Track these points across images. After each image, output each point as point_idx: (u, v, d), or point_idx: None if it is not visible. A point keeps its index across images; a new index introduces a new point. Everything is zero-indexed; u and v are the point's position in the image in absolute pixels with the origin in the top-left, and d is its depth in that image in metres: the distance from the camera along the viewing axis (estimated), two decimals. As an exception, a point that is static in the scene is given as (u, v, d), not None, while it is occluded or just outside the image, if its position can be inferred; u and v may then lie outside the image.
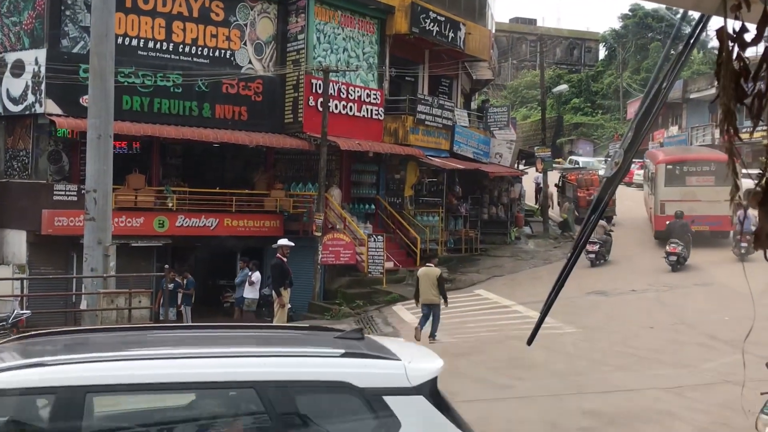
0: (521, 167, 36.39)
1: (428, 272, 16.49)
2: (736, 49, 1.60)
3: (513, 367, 13.11)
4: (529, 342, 2.42)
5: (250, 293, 20.31)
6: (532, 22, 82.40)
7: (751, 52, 1.68)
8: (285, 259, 17.05)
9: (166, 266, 18.92)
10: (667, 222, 24.75)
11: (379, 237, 23.95)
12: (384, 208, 26.89)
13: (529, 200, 38.74)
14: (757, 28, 1.57)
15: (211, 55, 23.78)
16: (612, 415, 9.95)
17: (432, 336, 16.28)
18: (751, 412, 9.77)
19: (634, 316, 18.18)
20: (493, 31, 37.30)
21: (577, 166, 47.38)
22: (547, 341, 14.84)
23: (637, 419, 9.79)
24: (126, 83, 21.49)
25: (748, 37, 1.58)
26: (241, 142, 23.39)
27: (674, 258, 22.89)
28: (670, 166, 27.71)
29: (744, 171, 1.82)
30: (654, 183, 28.39)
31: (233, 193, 23.43)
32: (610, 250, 25.84)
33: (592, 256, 24.75)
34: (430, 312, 16.42)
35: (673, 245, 23.08)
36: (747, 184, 1.75)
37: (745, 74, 1.61)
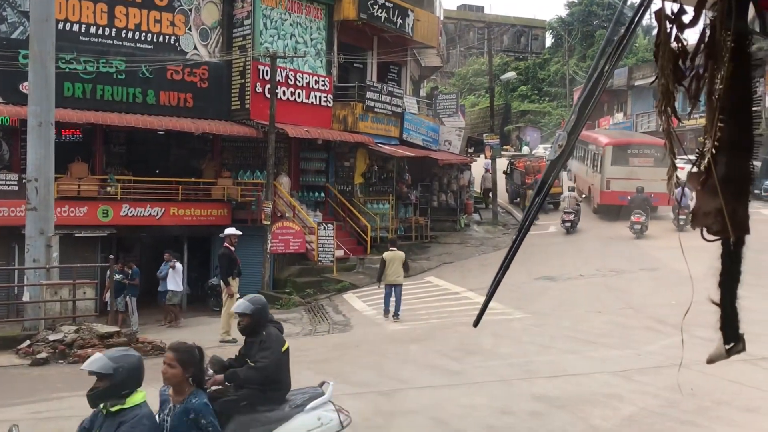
0: (472, 155, 36.59)
1: (395, 255, 17.67)
2: (674, 30, 1.59)
3: (464, 353, 13.19)
4: (475, 324, 2.41)
5: (173, 285, 19.95)
6: (480, 9, 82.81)
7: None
8: (233, 249, 16.86)
9: (111, 256, 18.60)
10: (629, 197, 27.97)
11: (329, 225, 23.86)
12: (334, 196, 26.80)
13: (479, 187, 39.00)
14: (694, 10, 1.57)
15: (155, 40, 23.37)
16: (561, 399, 10.06)
17: (396, 315, 17.47)
18: (693, 391, 10.01)
19: (582, 300, 18.41)
20: (441, 18, 37.39)
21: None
22: (497, 327, 14.97)
23: (587, 403, 9.91)
24: (67, 69, 21.01)
25: (687, 18, 1.58)
26: (187, 130, 23.05)
27: (638, 226, 26.30)
28: (615, 148, 30.71)
29: (684, 157, 1.82)
30: (600, 163, 30.93)
31: (179, 181, 23.09)
32: (579, 219, 29.13)
33: (568, 224, 28.40)
34: (393, 291, 17.52)
35: (637, 215, 26.41)
36: (687, 168, 1.75)
37: (683, 55, 1.60)
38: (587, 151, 34.14)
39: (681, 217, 25.40)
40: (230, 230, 17.34)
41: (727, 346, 1.59)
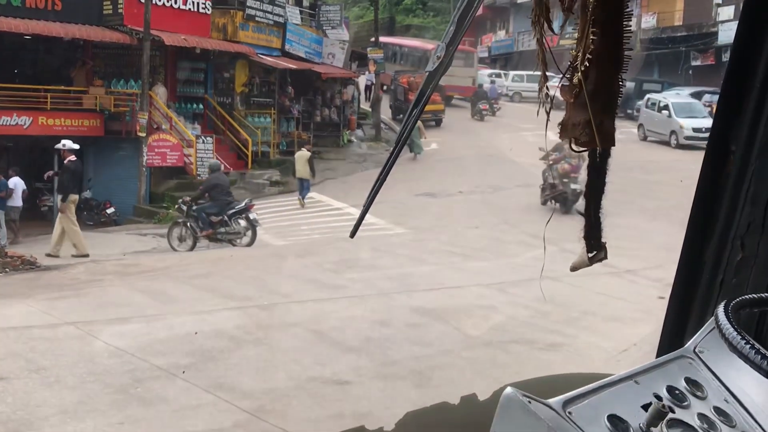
0: (354, 68, 36.26)
1: (302, 154, 21.78)
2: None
3: (345, 268, 13.33)
4: (352, 235, 2.40)
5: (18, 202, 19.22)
6: None
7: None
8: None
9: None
10: (473, 92, 37.19)
11: (208, 138, 23.33)
12: (213, 108, 26.07)
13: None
14: None
15: (18, -63, 21.69)
16: (438, 311, 10.37)
17: (303, 198, 21.45)
18: (557, 301, 10.51)
19: (460, 216, 18.88)
20: (326, -75, 36.37)
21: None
22: (377, 242, 15.18)
23: (462, 314, 10.26)
24: None
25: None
26: (55, 34, 21.75)
27: (486, 112, 35.48)
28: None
29: (551, 74, 1.83)
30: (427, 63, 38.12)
31: (47, 89, 21.88)
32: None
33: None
34: (303, 184, 21.51)
35: (483, 104, 35.70)
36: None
37: (557, -34, 1.59)
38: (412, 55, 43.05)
39: (496, 106, 35.79)
40: (69, 143, 16.41)
41: (590, 255, 1.63)
